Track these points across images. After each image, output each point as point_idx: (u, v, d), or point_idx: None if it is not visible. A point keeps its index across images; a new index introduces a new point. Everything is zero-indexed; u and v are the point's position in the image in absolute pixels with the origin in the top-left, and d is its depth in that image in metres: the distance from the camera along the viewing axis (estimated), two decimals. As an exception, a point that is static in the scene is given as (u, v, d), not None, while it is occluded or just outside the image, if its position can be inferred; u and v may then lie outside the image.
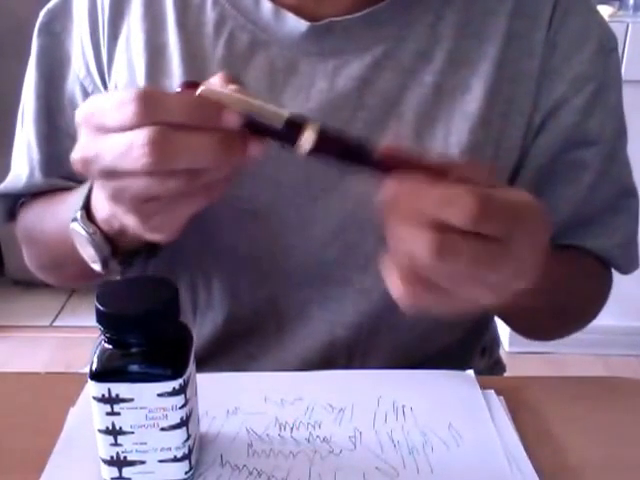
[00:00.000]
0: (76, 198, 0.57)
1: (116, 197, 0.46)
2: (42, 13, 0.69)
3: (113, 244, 0.56)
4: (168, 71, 0.63)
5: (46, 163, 0.69)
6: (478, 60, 0.62)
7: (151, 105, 0.42)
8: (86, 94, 0.68)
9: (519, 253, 0.42)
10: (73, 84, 0.68)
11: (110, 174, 0.45)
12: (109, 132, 0.44)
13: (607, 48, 0.65)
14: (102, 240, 0.55)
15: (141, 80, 0.63)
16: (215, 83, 0.46)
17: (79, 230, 0.55)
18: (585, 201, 0.66)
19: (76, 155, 0.46)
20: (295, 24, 0.61)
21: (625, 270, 0.70)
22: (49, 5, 0.69)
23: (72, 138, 0.69)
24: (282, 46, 0.62)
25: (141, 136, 0.42)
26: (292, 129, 0.43)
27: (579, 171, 0.65)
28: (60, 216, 0.62)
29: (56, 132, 0.69)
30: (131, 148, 0.42)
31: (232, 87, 0.45)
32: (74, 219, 0.56)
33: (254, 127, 0.44)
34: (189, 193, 0.45)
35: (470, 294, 0.43)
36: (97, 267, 0.57)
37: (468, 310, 0.45)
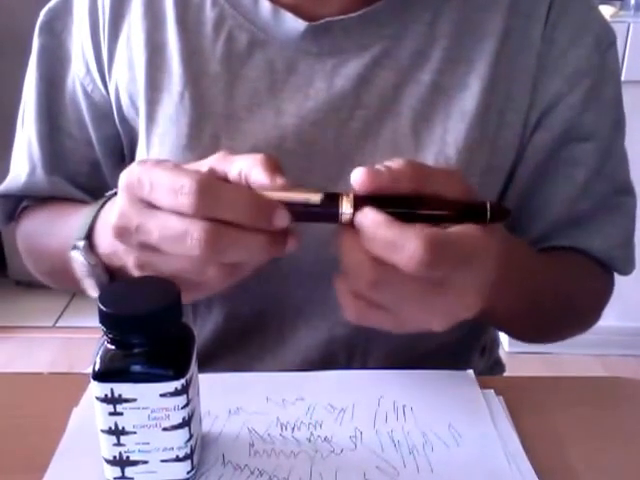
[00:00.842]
0: (79, 221, 0.56)
1: (146, 267, 0.47)
2: (43, 12, 0.69)
3: (111, 273, 0.55)
4: (168, 69, 0.63)
5: (48, 161, 0.69)
6: (475, 58, 0.62)
7: (208, 200, 0.43)
8: (86, 94, 0.68)
9: (458, 292, 0.45)
10: (74, 83, 0.68)
11: (151, 250, 0.46)
12: (157, 209, 0.45)
13: (605, 43, 0.65)
14: (102, 271, 0.54)
15: (141, 78, 0.64)
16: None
17: (80, 259, 0.54)
18: (579, 199, 0.65)
19: (115, 221, 0.46)
20: (293, 24, 0.61)
21: (623, 271, 0.69)
22: (50, 4, 0.70)
23: (73, 138, 0.70)
24: (281, 46, 0.62)
25: (196, 230, 0.43)
26: (330, 203, 0.45)
27: (574, 168, 0.65)
28: (62, 235, 0.61)
29: (57, 132, 0.70)
30: (184, 237, 0.44)
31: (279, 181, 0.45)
32: (75, 247, 0.54)
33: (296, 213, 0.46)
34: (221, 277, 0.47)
35: (414, 318, 0.47)
36: (92, 292, 0.56)
37: (420, 330, 0.48)
